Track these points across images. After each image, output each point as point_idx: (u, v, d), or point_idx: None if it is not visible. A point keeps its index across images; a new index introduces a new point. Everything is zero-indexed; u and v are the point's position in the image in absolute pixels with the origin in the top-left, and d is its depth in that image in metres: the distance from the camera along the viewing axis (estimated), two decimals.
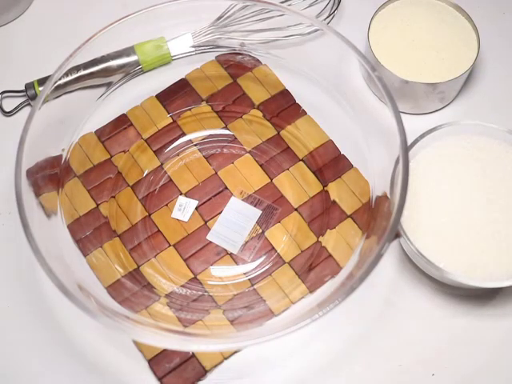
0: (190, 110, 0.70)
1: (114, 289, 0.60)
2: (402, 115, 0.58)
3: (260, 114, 0.69)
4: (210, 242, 0.64)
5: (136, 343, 0.59)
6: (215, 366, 0.59)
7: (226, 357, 0.59)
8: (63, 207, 0.63)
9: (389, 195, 0.58)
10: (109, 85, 0.69)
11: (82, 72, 0.67)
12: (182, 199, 0.66)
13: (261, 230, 0.64)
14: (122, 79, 0.70)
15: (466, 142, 0.63)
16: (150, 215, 0.65)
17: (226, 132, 0.69)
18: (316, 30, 0.70)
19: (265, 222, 0.65)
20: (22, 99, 0.71)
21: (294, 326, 0.51)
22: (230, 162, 0.68)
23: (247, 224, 0.65)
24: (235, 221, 0.65)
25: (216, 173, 0.67)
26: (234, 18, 0.71)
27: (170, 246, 0.64)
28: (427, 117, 0.71)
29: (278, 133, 0.68)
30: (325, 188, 0.66)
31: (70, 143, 0.66)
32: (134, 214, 0.65)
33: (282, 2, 0.70)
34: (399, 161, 0.56)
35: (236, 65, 0.72)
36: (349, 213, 0.64)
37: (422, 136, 0.62)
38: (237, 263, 0.63)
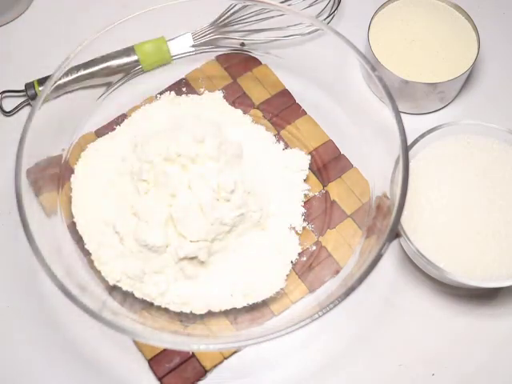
0: None
1: (113, 289, 0.60)
2: (402, 115, 0.58)
3: (260, 113, 0.69)
4: None
5: (136, 343, 0.59)
6: (215, 365, 0.59)
7: (226, 357, 0.59)
8: (63, 207, 0.63)
9: (389, 195, 0.58)
10: (109, 85, 0.69)
11: (82, 72, 0.67)
12: None
13: None
14: (122, 79, 0.70)
15: (466, 141, 0.63)
16: None
17: None
18: (316, 30, 0.70)
19: None
20: (21, 99, 0.71)
21: (293, 325, 0.51)
22: None
23: None
24: None
25: None
26: (234, 18, 0.71)
27: None
28: (427, 117, 0.71)
29: (278, 132, 0.69)
30: (325, 188, 0.66)
31: (70, 143, 0.66)
32: None
33: (281, 2, 0.70)
34: (399, 161, 0.56)
35: (236, 65, 0.72)
36: (349, 213, 0.64)
37: (422, 136, 0.62)
38: None
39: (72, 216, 0.62)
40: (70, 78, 0.65)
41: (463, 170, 0.62)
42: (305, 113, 0.69)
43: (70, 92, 0.66)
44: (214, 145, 0.59)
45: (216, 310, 0.59)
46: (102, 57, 0.69)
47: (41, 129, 0.59)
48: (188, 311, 0.58)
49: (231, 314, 0.59)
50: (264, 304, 0.60)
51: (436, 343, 0.60)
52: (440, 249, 0.59)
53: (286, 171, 0.65)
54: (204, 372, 0.58)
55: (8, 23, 0.76)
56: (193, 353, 0.59)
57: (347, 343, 0.60)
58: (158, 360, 0.59)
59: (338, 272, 0.61)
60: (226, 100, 0.69)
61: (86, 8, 0.77)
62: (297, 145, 0.68)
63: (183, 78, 0.71)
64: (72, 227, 0.62)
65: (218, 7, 0.71)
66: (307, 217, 0.64)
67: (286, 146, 0.68)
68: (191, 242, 0.57)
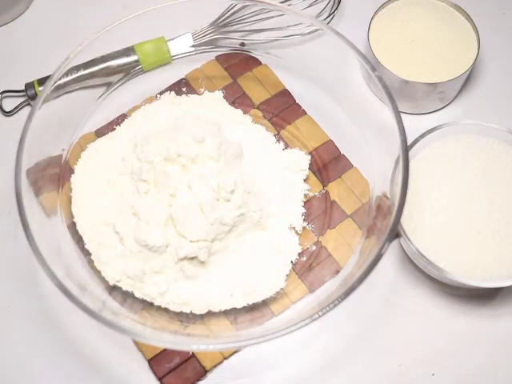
0: None
1: (113, 289, 0.60)
2: (402, 115, 0.58)
3: (260, 113, 0.69)
4: None
5: (136, 343, 0.59)
6: (215, 365, 0.59)
7: (226, 357, 0.59)
8: (63, 207, 0.63)
9: (389, 195, 0.58)
10: (109, 85, 0.69)
11: (82, 72, 0.67)
12: None
13: None
14: (122, 79, 0.70)
15: (465, 141, 0.63)
16: None
17: None
18: (316, 30, 0.70)
19: None
20: (21, 99, 0.71)
21: (293, 325, 0.51)
22: None
23: None
24: None
25: None
26: (234, 18, 0.71)
27: None
28: (427, 117, 0.71)
29: (278, 132, 0.69)
30: (325, 188, 0.66)
31: (70, 143, 0.66)
32: None
33: (281, 2, 0.70)
34: (399, 161, 0.56)
35: (236, 65, 0.72)
36: (349, 213, 0.64)
37: (422, 136, 0.62)
38: None
39: (72, 216, 0.62)
40: (69, 78, 0.65)
41: (463, 170, 0.62)
42: (305, 113, 0.70)
43: (69, 92, 0.66)
44: (213, 145, 0.59)
45: (216, 310, 0.59)
46: (102, 57, 0.69)
47: (41, 129, 0.59)
48: (188, 311, 0.58)
49: (231, 314, 0.59)
50: (264, 304, 0.60)
51: (436, 343, 0.60)
52: (440, 249, 0.59)
53: (286, 171, 0.65)
54: (204, 372, 0.58)
55: (8, 23, 0.76)
56: (193, 353, 0.59)
57: (347, 343, 0.60)
58: (158, 360, 0.59)
59: (337, 272, 0.61)
60: (226, 100, 0.69)
61: (86, 8, 0.77)
62: (297, 145, 0.68)
63: (183, 78, 0.71)
64: (72, 227, 0.62)
65: (218, 7, 0.71)
66: (307, 217, 0.64)
67: (286, 146, 0.68)
68: (191, 242, 0.57)
